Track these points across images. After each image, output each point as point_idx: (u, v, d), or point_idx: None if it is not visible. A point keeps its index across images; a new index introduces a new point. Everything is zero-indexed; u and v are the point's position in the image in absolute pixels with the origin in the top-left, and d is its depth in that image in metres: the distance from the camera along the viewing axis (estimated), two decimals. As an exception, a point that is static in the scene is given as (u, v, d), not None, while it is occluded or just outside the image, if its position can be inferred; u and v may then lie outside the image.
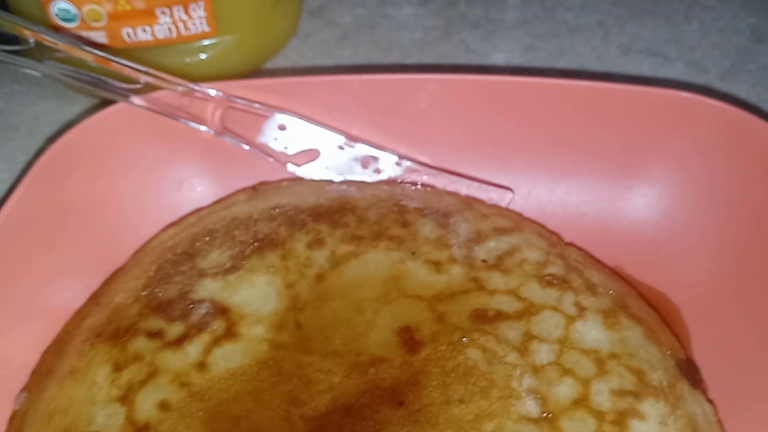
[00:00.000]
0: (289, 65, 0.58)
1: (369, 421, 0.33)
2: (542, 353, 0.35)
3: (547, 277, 0.37)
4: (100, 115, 0.42)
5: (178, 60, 0.49)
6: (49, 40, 0.40)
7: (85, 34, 0.46)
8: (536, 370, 0.34)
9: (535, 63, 0.57)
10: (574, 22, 0.59)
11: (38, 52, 0.42)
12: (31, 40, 0.40)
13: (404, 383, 0.34)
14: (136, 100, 0.42)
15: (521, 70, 0.55)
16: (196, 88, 0.41)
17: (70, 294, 0.41)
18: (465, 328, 0.35)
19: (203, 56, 0.50)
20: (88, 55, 0.41)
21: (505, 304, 0.36)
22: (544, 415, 0.33)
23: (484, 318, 0.36)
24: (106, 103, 0.44)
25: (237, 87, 0.42)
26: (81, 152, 0.42)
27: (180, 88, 0.41)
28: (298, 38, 0.60)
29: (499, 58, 0.57)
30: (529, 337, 0.35)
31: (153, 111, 0.42)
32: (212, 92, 0.42)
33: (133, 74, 0.42)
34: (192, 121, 0.42)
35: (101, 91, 0.42)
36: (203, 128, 0.42)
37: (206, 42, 0.50)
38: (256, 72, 0.56)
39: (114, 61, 0.41)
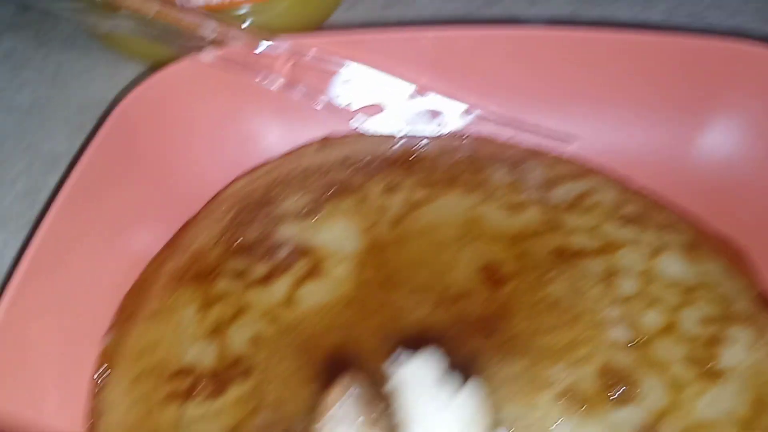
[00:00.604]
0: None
1: (461, 349, 0.33)
2: (626, 286, 0.35)
3: (625, 216, 0.38)
4: (171, 69, 0.43)
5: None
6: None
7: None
8: (622, 301, 0.35)
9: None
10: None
11: (108, 8, 0.42)
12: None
13: (492, 316, 0.35)
14: (206, 54, 0.42)
15: (580, 23, 0.55)
16: (265, 42, 0.42)
17: (144, 243, 0.41)
18: (547, 264, 0.36)
19: (253, 20, 0.51)
20: (157, 8, 0.42)
21: (585, 242, 0.37)
22: (636, 341, 0.33)
23: (564, 255, 0.36)
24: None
25: (306, 40, 0.43)
26: (152, 105, 0.42)
27: (252, 42, 0.42)
28: (342, 8, 0.60)
29: (556, 11, 0.58)
30: (611, 271, 0.36)
31: (222, 65, 0.42)
32: (281, 46, 0.43)
33: (203, 28, 0.42)
34: (260, 75, 0.43)
35: (171, 45, 0.42)
36: (271, 82, 0.43)
37: (250, 8, 0.50)
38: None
39: (189, 14, 0.41)
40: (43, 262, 0.35)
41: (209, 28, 0.42)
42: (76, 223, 0.37)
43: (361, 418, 0.23)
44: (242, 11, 0.50)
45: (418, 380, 0.24)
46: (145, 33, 0.43)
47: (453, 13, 0.59)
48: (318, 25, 0.56)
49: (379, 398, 0.24)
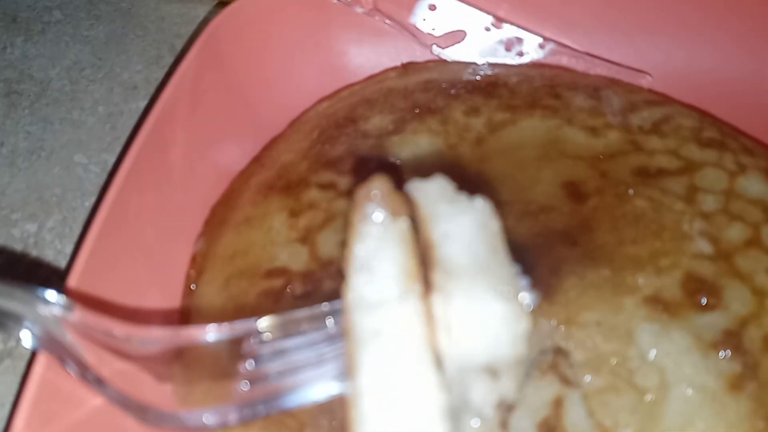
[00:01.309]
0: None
1: (546, 257, 0.34)
2: (708, 202, 0.36)
3: (705, 139, 0.39)
4: (258, -9, 0.44)
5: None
6: None
7: None
8: (705, 216, 0.35)
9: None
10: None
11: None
12: None
13: (576, 227, 0.36)
14: (294, -23, 0.43)
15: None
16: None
17: (232, 157, 0.43)
18: (629, 182, 0.37)
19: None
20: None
21: (666, 162, 0.38)
22: (718, 253, 0.34)
23: (646, 174, 0.37)
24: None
25: (391, -33, 0.44)
26: (240, 26, 0.43)
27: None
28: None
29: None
30: (693, 189, 0.36)
31: (309, -12, 0.44)
32: (367, -28, 0.44)
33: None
34: (346, 0, 0.44)
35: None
36: (356, 5, 0.44)
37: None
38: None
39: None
40: (139, 173, 0.36)
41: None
42: (169, 136, 0.38)
43: (386, 213, 0.24)
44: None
45: (436, 191, 0.26)
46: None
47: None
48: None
49: (404, 198, 0.25)
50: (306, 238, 0.37)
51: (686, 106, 0.42)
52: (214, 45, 0.42)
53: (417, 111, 0.41)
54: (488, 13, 0.44)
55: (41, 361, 0.28)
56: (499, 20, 0.44)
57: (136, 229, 0.36)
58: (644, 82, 0.44)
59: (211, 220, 0.39)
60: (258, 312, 0.34)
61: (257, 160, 0.42)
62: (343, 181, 0.38)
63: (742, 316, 0.32)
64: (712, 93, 0.43)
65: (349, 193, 0.37)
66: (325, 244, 0.36)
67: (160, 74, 0.53)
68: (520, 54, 0.45)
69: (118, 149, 0.48)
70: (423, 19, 0.44)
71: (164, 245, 0.37)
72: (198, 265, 0.38)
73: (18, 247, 0.43)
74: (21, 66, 0.54)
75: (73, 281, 0.30)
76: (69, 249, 0.43)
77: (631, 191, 0.37)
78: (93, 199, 0.45)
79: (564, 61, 0.45)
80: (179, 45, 0.55)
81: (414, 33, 0.45)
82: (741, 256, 0.34)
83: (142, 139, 0.37)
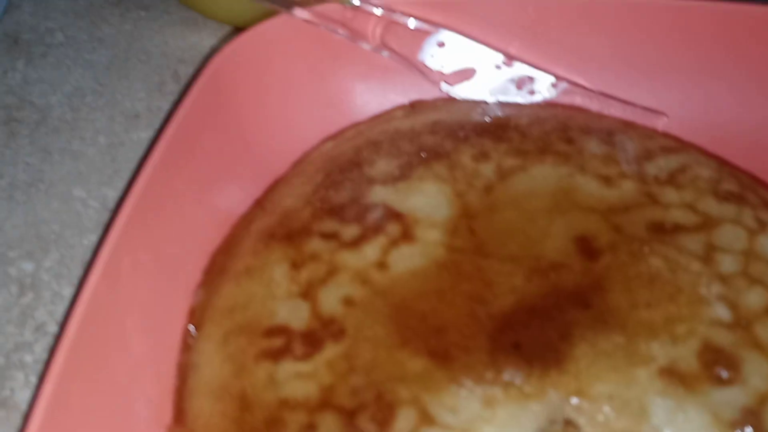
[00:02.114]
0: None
1: (556, 321, 0.33)
2: (727, 263, 0.34)
3: (723, 193, 0.37)
4: (262, 26, 0.43)
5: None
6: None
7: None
8: (723, 279, 0.34)
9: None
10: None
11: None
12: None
13: (588, 287, 0.34)
14: (299, 11, 0.42)
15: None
16: (361, 2, 0.42)
17: (233, 200, 0.41)
18: (644, 239, 0.36)
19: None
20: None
21: (683, 217, 0.36)
22: (737, 321, 0.32)
23: (662, 230, 0.36)
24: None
25: (400, 2, 0.42)
26: (244, 62, 0.42)
27: (346, 2, 0.41)
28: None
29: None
30: (711, 248, 0.35)
31: (314, 24, 0.42)
32: (373, 6, 0.42)
33: (295, -13, 0.42)
34: (352, 36, 0.42)
35: (267, 1, 0.42)
36: (362, 42, 0.42)
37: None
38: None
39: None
40: (139, 217, 0.35)
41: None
42: (170, 179, 0.37)
43: None
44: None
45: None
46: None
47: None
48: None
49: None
50: (307, 293, 0.35)
51: (703, 152, 0.41)
52: (215, 81, 0.41)
53: (424, 155, 0.40)
54: (499, 50, 0.43)
55: (38, 414, 0.27)
56: (510, 58, 0.43)
57: (131, 276, 0.35)
58: (660, 123, 0.43)
59: (211, 269, 0.38)
60: (256, 377, 0.33)
61: (259, 204, 0.41)
62: (347, 231, 0.37)
63: (761, 393, 0.31)
64: (730, 136, 0.42)
65: (352, 245, 0.36)
66: (327, 300, 0.35)
67: (162, 102, 0.52)
68: (532, 93, 0.43)
69: (118, 183, 0.47)
70: (431, 56, 0.43)
71: (161, 297, 0.36)
72: (197, 318, 0.36)
73: (14, 288, 0.42)
74: (21, 92, 0.53)
75: (66, 343, 0.29)
76: (66, 291, 0.42)
77: (645, 248, 0.35)
78: (92, 237, 0.44)
79: (577, 100, 0.43)
80: (182, 71, 0.54)
81: (422, 70, 0.43)
82: (761, 324, 0.33)
83: (142, 181, 0.36)
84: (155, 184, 0.35)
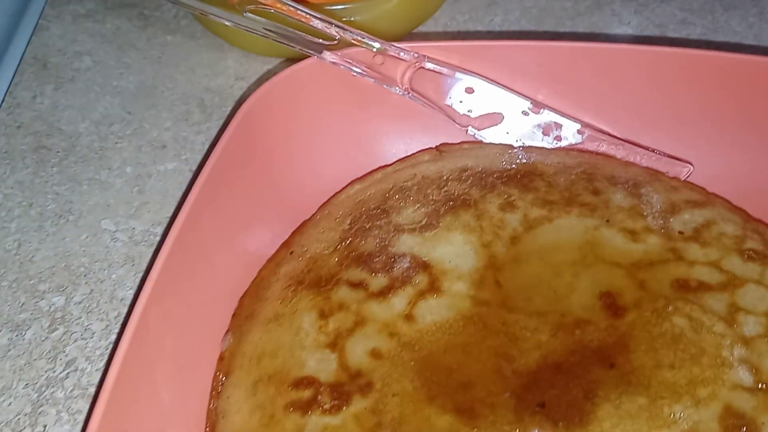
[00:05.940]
0: (441, 29, 0.59)
1: (581, 379, 0.34)
2: (750, 325, 0.35)
3: (748, 252, 0.37)
4: (293, 69, 0.43)
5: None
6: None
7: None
8: (746, 341, 0.34)
9: (691, 38, 0.56)
10: None
11: (239, 5, 0.43)
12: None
13: (612, 346, 0.35)
14: (328, 55, 0.43)
15: (681, 43, 0.54)
16: (390, 47, 0.42)
17: (261, 242, 0.42)
18: (668, 296, 0.36)
19: (359, 17, 0.51)
20: (286, 9, 0.42)
21: (707, 275, 0.37)
22: (759, 385, 0.33)
23: (686, 288, 0.36)
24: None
25: (428, 48, 0.43)
26: (273, 106, 0.43)
27: (375, 47, 0.42)
28: (448, 2, 0.60)
29: (653, 32, 0.57)
30: (735, 308, 0.36)
31: (344, 67, 0.43)
32: (402, 51, 0.43)
33: (329, 30, 0.42)
34: (381, 80, 0.43)
35: (296, 45, 0.42)
36: (390, 86, 0.43)
37: (364, 3, 0.50)
38: (410, 35, 0.56)
39: (313, 16, 0.41)
40: (171, 269, 0.35)
41: (337, 30, 0.42)
42: (201, 226, 0.38)
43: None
44: (351, 6, 0.50)
45: None
46: (273, 31, 0.43)
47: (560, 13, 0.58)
48: (421, 23, 0.56)
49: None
50: (335, 343, 0.36)
51: (728, 204, 0.41)
52: (246, 124, 0.41)
53: (451, 203, 0.40)
54: (526, 97, 0.43)
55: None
56: (538, 105, 0.43)
57: (162, 334, 0.35)
58: (685, 171, 0.43)
59: (239, 314, 0.39)
60: (285, 428, 0.33)
61: (286, 246, 0.41)
62: (374, 281, 0.38)
63: (782, 459, 0.31)
64: (755, 188, 0.42)
65: (380, 295, 0.37)
66: (355, 352, 0.35)
67: (189, 132, 0.53)
68: (558, 139, 0.44)
69: (145, 215, 0.48)
70: (459, 101, 0.44)
71: (191, 344, 0.37)
72: (225, 364, 0.37)
73: (45, 321, 0.43)
74: (51, 118, 0.54)
75: (101, 405, 0.30)
76: (96, 327, 0.43)
77: (670, 307, 0.35)
78: (119, 272, 0.45)
79: (603, 147, 0.44)
80: (208, 100, 0.55)
81: (450, 114, 0.44)
82: (783, 390, 0.33)
83: (171, 241, 0.36)
84: (187, 232, 0.36)
